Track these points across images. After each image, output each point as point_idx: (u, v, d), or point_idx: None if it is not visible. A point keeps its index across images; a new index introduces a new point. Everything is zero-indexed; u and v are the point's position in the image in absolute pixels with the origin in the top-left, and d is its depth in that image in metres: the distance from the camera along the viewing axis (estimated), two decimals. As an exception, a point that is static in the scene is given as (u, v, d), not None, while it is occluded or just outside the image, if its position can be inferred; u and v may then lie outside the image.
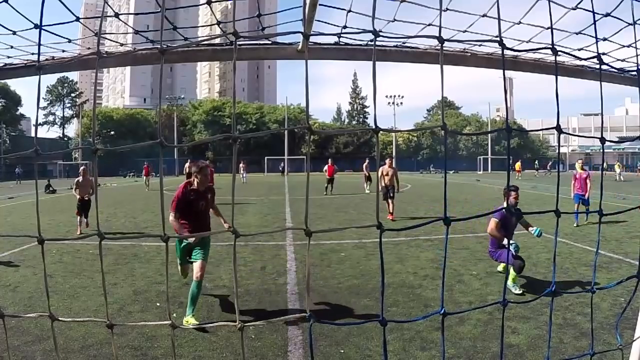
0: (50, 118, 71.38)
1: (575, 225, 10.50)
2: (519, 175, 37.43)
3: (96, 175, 1.36)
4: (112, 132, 55.87)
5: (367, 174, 23.12)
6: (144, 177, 27.42)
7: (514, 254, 5.58)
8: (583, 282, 5.98)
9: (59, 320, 1.09)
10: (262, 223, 11.92)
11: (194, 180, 4.71)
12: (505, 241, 5.57)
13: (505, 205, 6.11)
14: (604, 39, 1.76)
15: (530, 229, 5.72)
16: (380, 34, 1.11)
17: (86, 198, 10.47)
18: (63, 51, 1.91)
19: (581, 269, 6.64)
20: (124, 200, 19.94)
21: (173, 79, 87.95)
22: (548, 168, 50.45)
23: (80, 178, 10.61)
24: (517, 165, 39.77)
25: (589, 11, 1.49)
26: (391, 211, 12.01)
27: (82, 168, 10.70)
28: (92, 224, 10.89)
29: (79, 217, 10.49)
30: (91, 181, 10.69)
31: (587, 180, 10.80)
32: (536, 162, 50.05)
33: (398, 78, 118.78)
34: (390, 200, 11.89)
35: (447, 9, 1.76)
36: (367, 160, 24.91)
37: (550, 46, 1.27)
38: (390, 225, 10.80)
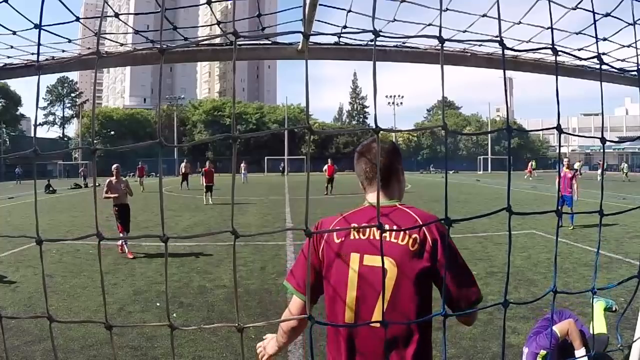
0: (50, 118, 71.41)
1: (571, 228, 9.91)
2: (528, 175, 36.50)
3: (95, 176, 1.35)
4: (112, 132, 55.88)
5: None
6: (139, 178, 26.32)
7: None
8: (583, 282, 5.98)
9: (57, 322, 1.09)
10: (262, 223, 11.91)
11: None
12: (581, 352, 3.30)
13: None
14: (604, 39, 1.76)
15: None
16: (380, 34, 1.10)
17: (124, 203, 8.47)
18: (63, 51, 1.91)
19: (581, 269, 6.64)
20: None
21: (173, 79, 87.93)
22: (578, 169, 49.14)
23: (113, 179, 8.42)
24: (530, 165, 38.63)
25: (589, 11, 1.49)
26: None
27: (114, 166, 8.42)
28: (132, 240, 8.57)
29: (121, 234, 8.17)
30: (126, 182, 8.67)
31: (573, 181, 10.27)
32: (533, 162, 49.53)
33: (398, 78, 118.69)
34: None
35: (447, 9, 1.75)
36: None
37: (551, 46, 1.27)
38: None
